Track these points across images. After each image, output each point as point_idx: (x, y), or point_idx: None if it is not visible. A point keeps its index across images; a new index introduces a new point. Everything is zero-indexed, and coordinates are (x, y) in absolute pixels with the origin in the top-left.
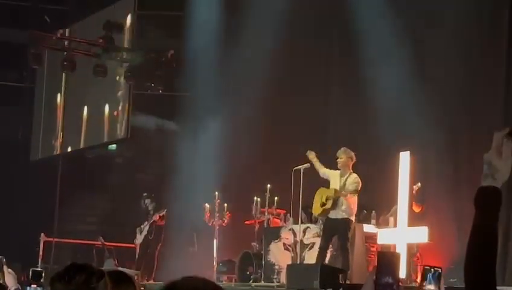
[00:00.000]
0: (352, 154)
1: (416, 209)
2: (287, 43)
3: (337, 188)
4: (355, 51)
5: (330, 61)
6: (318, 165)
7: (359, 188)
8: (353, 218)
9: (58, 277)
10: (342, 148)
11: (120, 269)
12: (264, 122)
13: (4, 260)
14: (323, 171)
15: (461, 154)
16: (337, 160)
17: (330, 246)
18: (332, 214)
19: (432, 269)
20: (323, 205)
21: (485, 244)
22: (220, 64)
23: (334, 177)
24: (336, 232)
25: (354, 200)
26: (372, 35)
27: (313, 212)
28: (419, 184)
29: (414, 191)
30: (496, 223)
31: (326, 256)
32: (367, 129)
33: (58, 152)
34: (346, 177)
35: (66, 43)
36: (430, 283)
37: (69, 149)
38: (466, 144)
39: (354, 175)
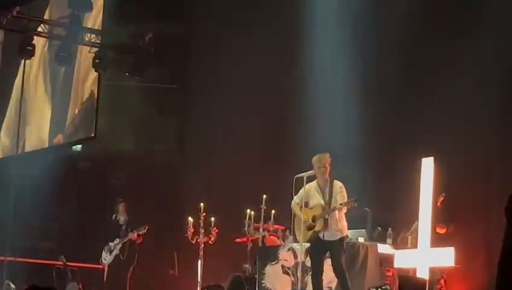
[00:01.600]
0: (330, 159)
1: (441, 230)
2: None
3: (322, 203)
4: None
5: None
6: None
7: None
8: (346, 231)
9: None
10: (326, 155)
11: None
12: (262, 121)
13: None
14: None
15: (493, 163)
16: (321, 169)
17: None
18: (326, 236)
19: None
20: (311, 227)
21: None
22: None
23: (312, 192)
24: (330, 253)
25: (344, 213)
26: None
27: (299, 240)
28: (443, 194)
29: (438, 203)
30: None
31: (322, 284)
32: (381, 130)
33: (11, 153)
34: (328, 187)
35: (23, 23)
36: None
37: (26, 150)
38: (498, 151)
39: (339, 183)
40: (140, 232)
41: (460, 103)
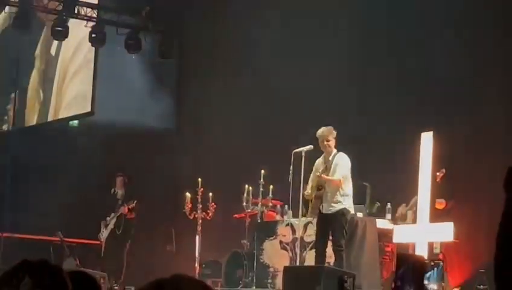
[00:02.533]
0: (335, 131)
1: (440, 205)
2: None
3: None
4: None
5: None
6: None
7: (348, 169)
8: (349, 205)
9: (6, 279)
10: (328, 128)
11: (82, 269)
12: (260, 95)
13: None
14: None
15: (496, 136)
16: (325, 143)
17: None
18: (324, 208)
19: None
20: (311, 201)
21: None
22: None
23: (318, 165)
24: (330, 226)
25: (346, 183)
26: None
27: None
28: (443, 170)
29: (438, 179)
30: None
31: (325, 257)
32: (380, 102)
33: (8, 129)
34: (331, 159)
35: None
36: (431, 280)
37: (22, 125)
38: (502, 124)
39: (341, 154)
40: (129, 206)
41: (460, 75)
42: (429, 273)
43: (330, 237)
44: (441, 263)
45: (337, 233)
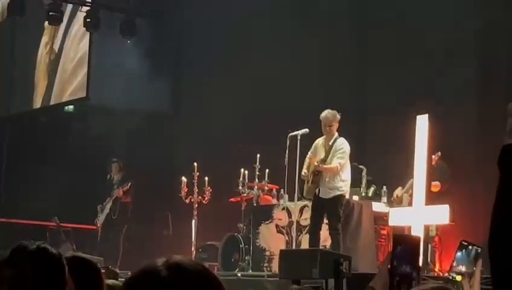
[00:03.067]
0: (339, 116)
1: (434, 188)
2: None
3: (321, 158)
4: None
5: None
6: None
7: (347, 156)
8: (346, 191)
9: (3, 260)
10: (332, 112)
11: (79, 254)
12: (254, 78)
13: None
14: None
15: (492, 120)
16: (327, 128)
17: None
18: (321, 193)
19: (470, 246)
20: (308, 182)
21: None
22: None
23: (318, 148)
24: (325, 210)
25: (343, 169)
26: None
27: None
28: (439, 153)
29: (433, 162)
30: None
31: (319, 238)
32: (377, 84)
33: (2, 114)
34: (331, 143)
35: None
36: (461, 263)
37: (17, 111)
38: (499, 107)
39: (341, 139)
40: (124, 189)
41: (456, 58)
42: (461, 253)
43: (325, 221)
44: (479, 249)
45: (333, 217)
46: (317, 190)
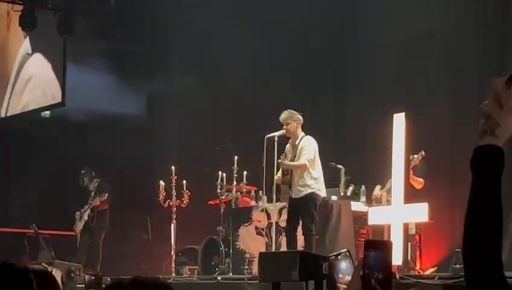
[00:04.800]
0: (299, 115)
1: (418, 185)
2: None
3: (289, 159)
4: None
5: None
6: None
7: (314, 152)
8: (319, 189)
9: None
10: (286, 112)
11: (58, 261)
12: (231, 82)
13: None
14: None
15: (471, 116)
16: (284, 128)
17: (299, 228)
18: (293, 193)
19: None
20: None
21: (485, 217)
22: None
23: (287, 152)
24: (299, 210)
25: (313, 167)
26: None
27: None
28: (422, 153)
29: (418, 162)
30: (498, 190)
31: (296, 240)
32: (356, 85)
33: None
34: (297, 143)
35: None
36: (343, 273)
37: None
38: (476, 104)
39: (307, 137)
40: (101, 199)
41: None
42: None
43: (300, 222)
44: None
45: (306, 217)
46: (290, 191)
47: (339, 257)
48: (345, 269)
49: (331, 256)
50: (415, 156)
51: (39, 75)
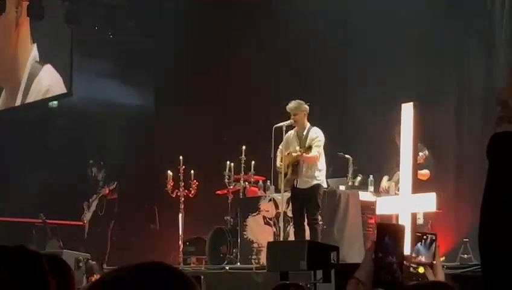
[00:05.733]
0: (306, 106)
1: (423, 177)
2: None
3: (298, 149)
4: None
5: None
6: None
7: (322, 144)
8: (323, 180)
9: None
10: (293, 102)
11: (66, 251)
12: (239, 72)
13: None
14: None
15: (476, 107)
16: (291, 118)
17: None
18: (299, 183)
19: (425, 236)
20: (286, 175)
21: (503, 204)
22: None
23: (290, 139)
24: (305, 201)
25: (321, 159)
26: None
27: (280, 189)
28: (426, 152)
29: (422, 160)
30: None
31: (305, 230)
32: (364, 73)
33: None
34: (305, 133)
35: None
36: (420, 253)
37: (2, 108)
38: (482, 94)
39: (315, 129)
40: (110, 187)
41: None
42: (418, 245)
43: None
44: (433, 237)
45: (313, 207)
46: (295, 181)
47: (424, 237)
48: (421, 250)
49: (418, 233)
50: (420, 154)
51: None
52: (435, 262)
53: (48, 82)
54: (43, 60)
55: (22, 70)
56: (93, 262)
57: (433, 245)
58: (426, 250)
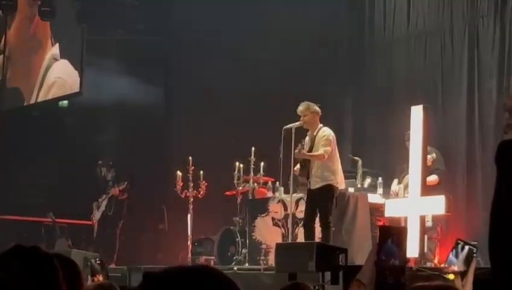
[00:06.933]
0: (317, 107)
1: (432, 183)
2: None
3: (306, 150)
4: None
5: None
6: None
7: (332, 143)
8: (336, 181)
9: None
10: (303, 104)
11: (75, 250)
12: (248, 73)
13: None
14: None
15: (490, 111)
16: (301, 119)
17: (317, 219)
18: (311, 184)
19: (465, 246)
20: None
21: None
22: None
23: (306, 140)
24: (316, 202)
25: (331, 158)
26: None
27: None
28: (434, 155)
29: (429, 163)
30: None
31: (314, 231)
32: (376, 75)
33: None
34: (315, 134)
35: None
36: (455, 262)
37: (11, 106)
38: (495, 98)
39: (325, 128)
40: (120, 188)
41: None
42: (455, 251)
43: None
44: (474, 249)
45: (323, 209)
46: (308, 183)
47: (464, 247)
48: (455, 261)
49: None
50: (428, 156)
51: (61, 68)
52: (468, 274)
53: (59, 74)
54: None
55: (38, 71)
56: (98, 261)
57: (472, 258)
58: (461, 259)
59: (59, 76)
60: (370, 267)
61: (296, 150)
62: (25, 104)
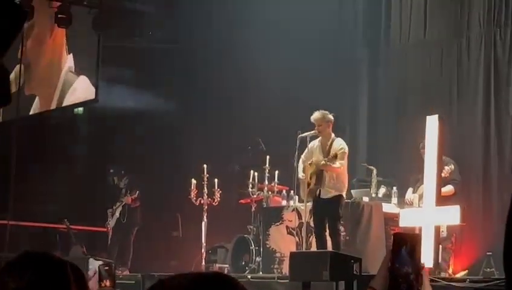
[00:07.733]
0: (331, 116)
1: (447, 194)
2: None
3: (319, 160)
4: None
5: None
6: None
7: (346, 155)
8: (345, 192)
9: (8, 269)
10: (318, 113)
11: (90, 258)
12: (264, 80)
13: None
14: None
15: (505, 118)
16: (316, 128)
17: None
18: (322, 193)
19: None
20: (308, 185)
21: None
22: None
23: (314, 150)
24: (326, 211)
25: (343, 171)
26: None
27: (303, 199)
28: (452, 166)
29: (447, 174)
30: None
31: (326, 240)
32: (391, 84)
33: (12, 116)
34: (328, 144)
35: None
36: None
37: (27, 113)
38: (509, 107)
39: (339, 140)
40: (132, 196)
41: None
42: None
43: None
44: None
45: (334, 218)
46: (317, 191)
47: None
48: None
49: None
50: (446, 168)
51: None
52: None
53: (84, 95)
54: (78, 70)
55: (56, 79)
56: (106, 267)
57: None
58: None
59: (85, 96)
60: (383, 275)
61: (323, 162)
62: (41, 110)
